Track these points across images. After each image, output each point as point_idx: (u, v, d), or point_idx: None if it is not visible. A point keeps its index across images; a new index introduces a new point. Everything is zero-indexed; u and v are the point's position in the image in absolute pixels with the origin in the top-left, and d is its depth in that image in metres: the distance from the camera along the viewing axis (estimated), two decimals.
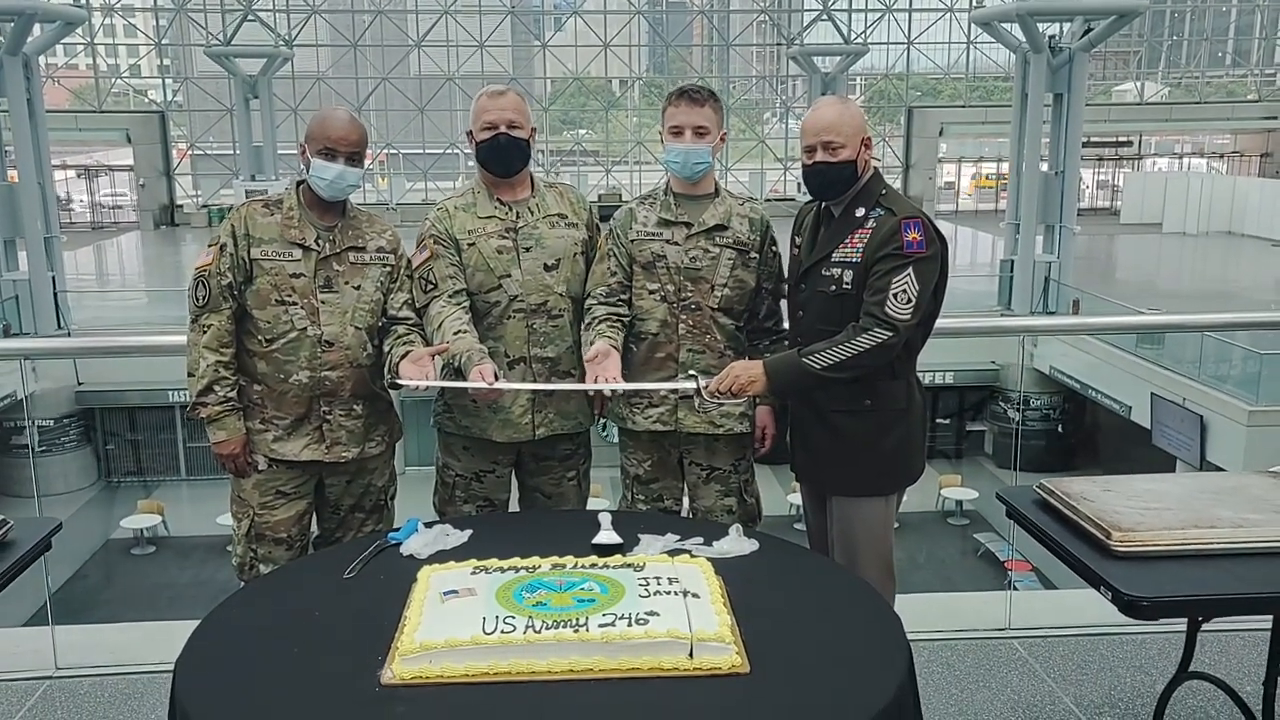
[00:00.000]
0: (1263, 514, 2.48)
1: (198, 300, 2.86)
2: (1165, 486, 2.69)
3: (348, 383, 2.90)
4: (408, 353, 2.79)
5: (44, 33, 18.88)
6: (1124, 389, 16.21)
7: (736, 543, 2.43)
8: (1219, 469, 12.98)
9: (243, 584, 2.90)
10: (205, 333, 2.85)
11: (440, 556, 2.37)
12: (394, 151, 34.13)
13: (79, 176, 34.83)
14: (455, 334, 2.84)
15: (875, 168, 2.80)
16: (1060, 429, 19.11)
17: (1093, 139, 33.02)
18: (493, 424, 3.03)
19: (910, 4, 33.75)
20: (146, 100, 34.54)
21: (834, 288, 2.73)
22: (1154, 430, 15.12)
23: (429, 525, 2.52)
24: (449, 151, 33.80)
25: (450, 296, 2.96)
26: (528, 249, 3.00)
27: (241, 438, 2.89)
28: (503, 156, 2.99)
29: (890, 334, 2.62)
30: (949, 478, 17.40)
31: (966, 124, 34.40)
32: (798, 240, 2.91)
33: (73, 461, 18.40)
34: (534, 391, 3.00)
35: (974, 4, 25.87)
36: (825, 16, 32.57)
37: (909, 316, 2.63)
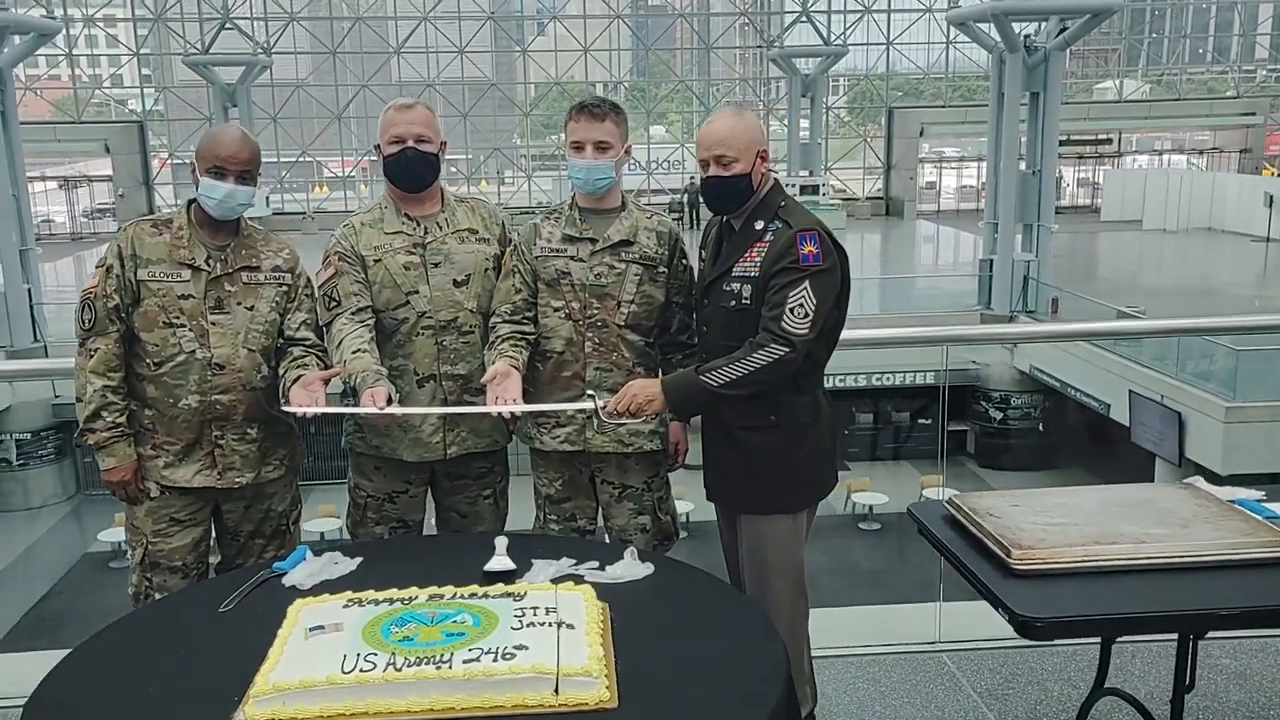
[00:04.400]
0: (1168, 528, 2.43)
1: (84, 324, 2.79)
2: (1077, 500, 2.64)
3: (240, 406, 2.83)
4: (300, 376, 2.72)
5: (18, 44, 18.77)
6: (1103, 387, 16.22)
7: (630, 567, 2.37)
8: (1198, 466, 12.98)
9: None
10: (92, 357, 2.78)
11: (325, 587, 2.31)
12: (375, 158, 33.99)
13: (59, 187, 34.66)
14: (354, 353, 2.76)
15: (775, 179, 2.75)
16: (1041, 428, 19.13)
17: (1072, 137, 33.07)
18: (403, 444, 2.97)
19: (889, 4, 33.79)
20: (126, 110, 34.42)
21: (734, 303, 2.68)
22: (1133, 428, 15.13)
23: (318, 553, 2.46)
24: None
25: (353, 314, 2.89)
26: (436, 264, 2.95)
27: (131, 464, 2.82)
28: (410, 171, 2.93)
29: (787, 349, 2.57)
30: (930, 478, 17.36)
31: (947, 124, 34.42)
32: (703, 254, 2.87)
33: (50, 475, 18.28)
34: (438, 415, 2.94)
35: (951, 4, 25.85)
36: (805, 18, 32.57)
37: (806, 331, 2.58)
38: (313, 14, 33.02)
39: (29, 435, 17.99)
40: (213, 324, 2.80)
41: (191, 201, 2.86)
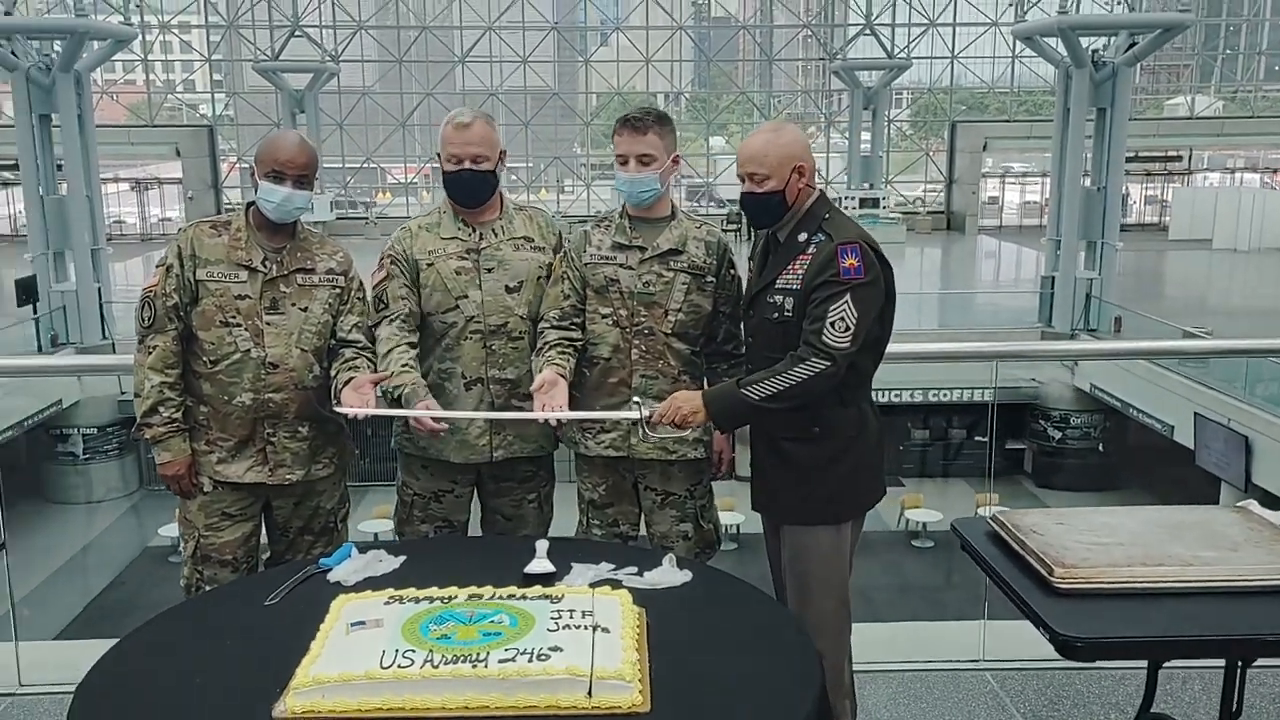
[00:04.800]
0: (1217, 551, 2.38)
1: (144, 321, 2.87)
2: (1123, 520, 2.59)
3: (292, 405, 2.90)
4: (351, 378, 2.78)
5: (96, 50, 19.30)
6: (1167, 408, 15.87)
7: (668, 574, 2.38)
8: (1265, 491, 12.65)
9: None
10: (150, 354, 2.86)
11: (369, 584, 2.35)
12: (437, 165, 34.43)
13: (131, 189, 35.55)
14: (402, 367, 2.85)
15: (819, 192, 2.74)
16: (1101, 448, 18.78)
17: (1140, 154, 32.48)
18: (450, 445, 3.01)
19: (954, 18, 33.48)
20: (197, 115, 35.22)
21: (776, 315, 2.69)
22: (1197, 451, 14.78)
23: (363, 551, 2.50)
24: None
25: (402, 320, 2.96)
26: (490, 270, 2.99)
27: (186, 459, 2.90)
28: (467, 190, 2.99)
29: (827, 363, 2.56)
30: (984, 496, 17.12)
31: (1011, 139, 34.00)
32: (751, 266, 2.88)
33: (114, 469, 18.70)
34: (485, 419, 2.98)
35: (1017, 17, 25.57)
36: (868, 31, 32.40)
37: (847, 344, 2.57)
38: (380, 23, 33.55)
39: (95, 430, 18.42)
40: (268, 324, 2.87)
41: (250, 204, 2.93)
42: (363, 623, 2.07)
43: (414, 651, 1.94)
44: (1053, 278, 19.97)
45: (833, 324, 2.56)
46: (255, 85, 32.98)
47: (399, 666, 1.90)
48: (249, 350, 2.86)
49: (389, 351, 2.89)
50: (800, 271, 2.65)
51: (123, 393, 18.39)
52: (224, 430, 2.91)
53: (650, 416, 2.67)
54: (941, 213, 34.63)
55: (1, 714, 3.23)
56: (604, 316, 2.99)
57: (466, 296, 2.98)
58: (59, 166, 19.15)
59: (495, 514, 3.17)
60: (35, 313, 18.61)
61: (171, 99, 35.36)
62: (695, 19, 36.04)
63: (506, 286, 3.00)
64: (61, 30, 18.82)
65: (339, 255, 3.02)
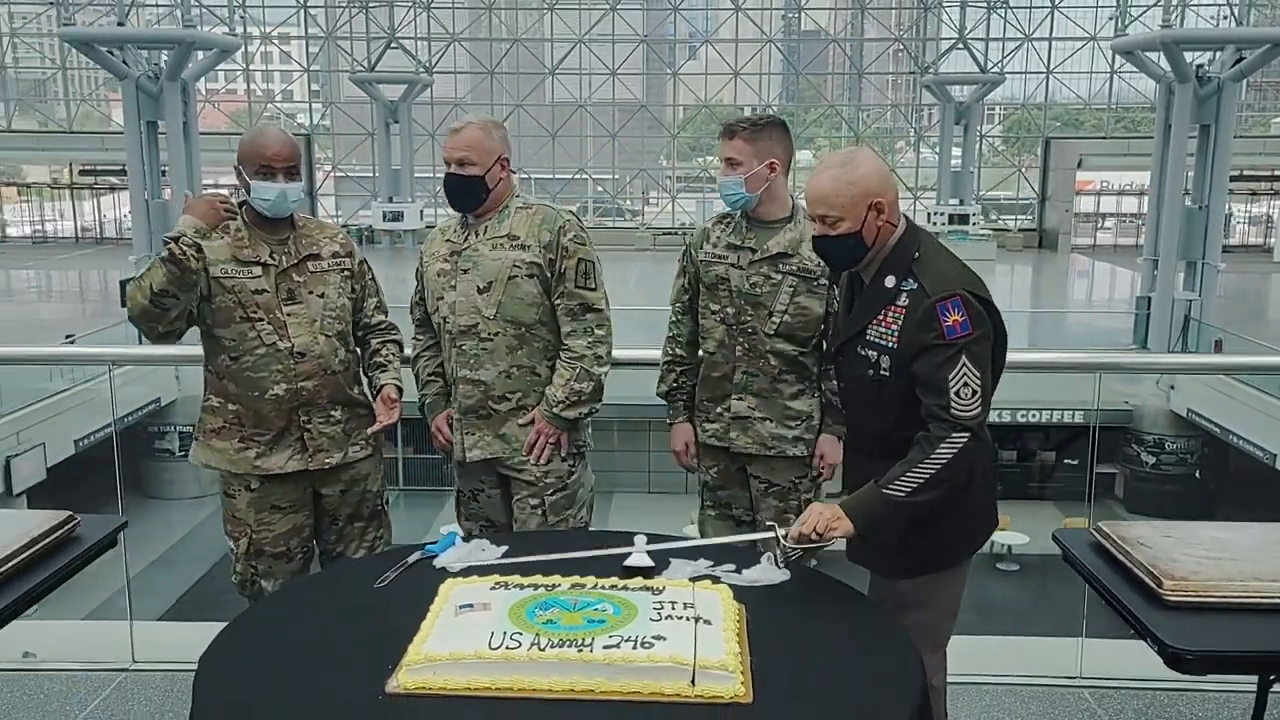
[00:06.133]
0: None
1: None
2: (1233, 536, 2.53)
3: (324, 390, 2.97)
4: (382, 388, 3.07)
5: (201, 59, 20.01)
6: (1270, 435, 15.35)
7: (766, 571, 2.39)
8: None
9: (248, 599, 3.02)
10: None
11: (472, 571, 2.40)
12: (526, 175, 34.91)
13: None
14: (430, 375, 3.15)
15: (906, 225, 2.45)
16: (1198, 475, 18.22)
17: (1245, 172, 31.49)
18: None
19: (1050, 32, 32.86)
20: (295, 124, 36.20)
21: (871, 373, 2.45)
22: None
23: (466, 540, 2.56)
24: (578, 176, 34.42)
25: (420, 325, 3.18)
26: (465, 271, 2.99)
27: (192, 214, 2.82)
28: (455, 194, 3.00)
29: (966, 436, 2.31)
30: (1075, 520, 16.71)
31: (1107, 155, 33.21)
32: (836, 298, 2.72)
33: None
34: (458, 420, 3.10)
35: (1117, 32, 25.01)
36: (961, 45, 31.98)
37: (978, 410, 2.32)
38: (473, 35, 34.12)
39: (192, 428, 18.98)
40: (289, 315, 2.92)
41: (242, 204, 2.94)
42: (471, 606, 2.11)
43: (521, 634, 1.98)
44: (1149, 298, 19.48)
45: (957, 393, 2.31)
46: (351, 96, 33.79)
47: (507, 648, 1.94)
48: (274, 343, 2.91)
49: (415, 358, 3.18)
50: (895, 327, 2.40)
51: None
52: (259, 425, 2.95)
53: (786, 534, 2.39)
54: (1033, 230, 33.97)
55: (116, 688, 3.37)
56: (713, 312, 3.07)
57: (443, 298, 3.02)
58: (163, 172, 19.87)
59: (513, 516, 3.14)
60: None
61: (270, 107, 36.39)
62: (785, 32, 35.94)
63: (477, 287, 2.97)
64: (171, 40, 19.56)
65: (340, 237, 3.08)
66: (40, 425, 15.32)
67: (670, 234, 32.60)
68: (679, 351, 3.22)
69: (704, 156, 37.01)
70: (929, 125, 35.26)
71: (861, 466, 2.56)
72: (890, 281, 2.41)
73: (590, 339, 2.99)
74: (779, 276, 2.99)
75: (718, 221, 3.13)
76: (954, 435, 2.32)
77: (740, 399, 3.05)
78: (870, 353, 2.44)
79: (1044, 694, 3.33)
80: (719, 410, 3.10)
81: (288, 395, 2.93)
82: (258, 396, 2.93)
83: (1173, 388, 17.73)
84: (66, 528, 2.53)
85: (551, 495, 3.06)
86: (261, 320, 2.90)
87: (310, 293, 2.97)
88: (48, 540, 2.46)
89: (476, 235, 2.98)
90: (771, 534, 2.41)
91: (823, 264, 2.86)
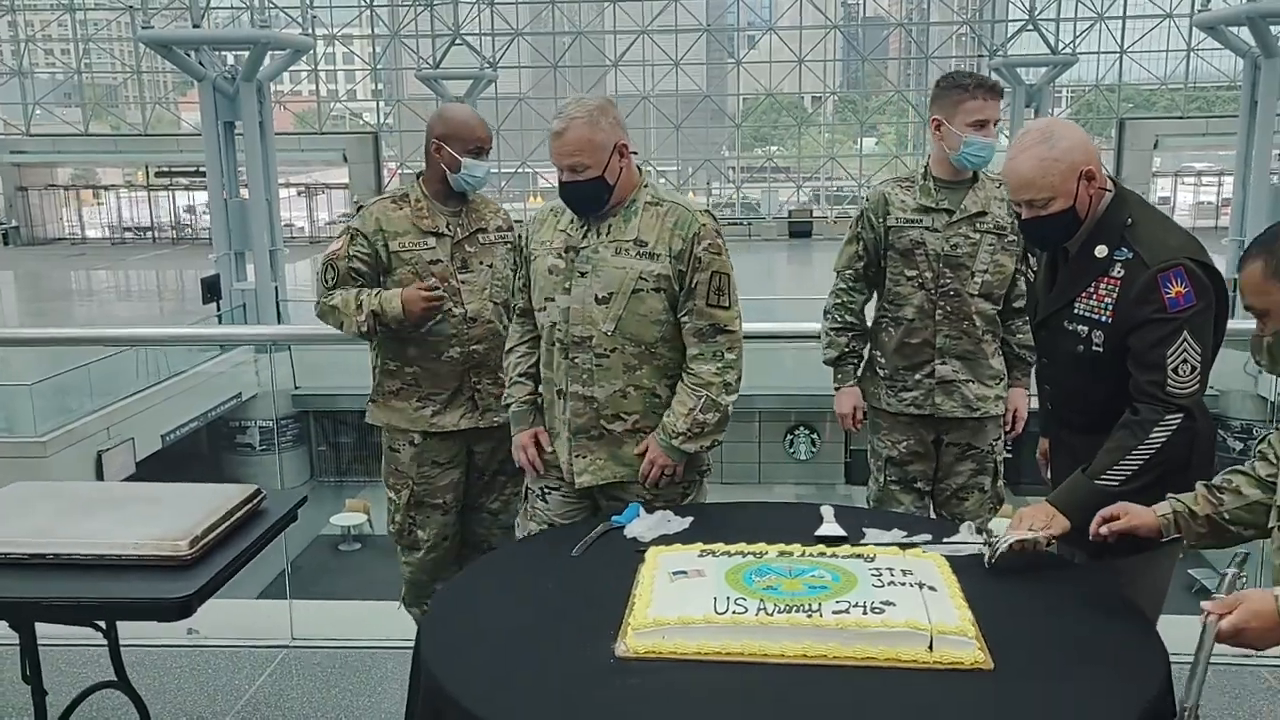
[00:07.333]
0: None
1: (327, 282, 3.07)
2: None
3: (494, 354, 3.04)
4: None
5: (275, 60, 20.28)
6: None
7: (967, 539, 2.33)
8: None
9: (401, 549, 3.20)
10: (334, 294, 3.05)
11: (663, 540, 2.37)
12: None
13: (299, 195, 37.19)
14: (520, 376, 2.82)
15: (1114, 188, 2.32)
16: None
17: None
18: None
19: (1124, 10, 32.13)
20: (361, 122, 36.60)
21: (1081, 348, 2.32)
22: None
23: (650, 511, 2.53)
24: (643, 167, 34.37)
25: (522, 316, 2.83)
26: (583, 274, 2.64)
27: (410, 289, 2.95)
28: (574, 203, 2.67)
29: (1180, 417, 2.20)
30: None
31: (1184, 136, 32.40)
32: (1032, 265, 2.62)
33: (289, 460, 19.57)
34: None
35: (1196, 8, 24.37)
36: (1031, 26, 31.38)
37: (1195, 388, 2.20)
38: (536, 29, 34.23)
39: (271, 423, 19.30)
40: (462, 282, 3.06)
41: (419, 175, 3.10)
42: (684, 572, 2.09)
43: (745, 600, 1.95)
44: (1234, 280, 18.92)
45: (1175, 370, 2.19)
46: (415, 93, 34.08)
47: (734, 613, 1.91)
48: (450, 309, 3.03)
49: (509, 350, 2.86)
50: (1109, 300, 2.27)
51: (297, 387, 19.27)
52: (435, 385, 3.08)
53: (996, 540, 2.22)
54: None
55: (279, 664, 3.41)
56: (909, 279, 3.03)
57: (553, 300, 2.69)
58: (239, 172, 20.20)
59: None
60: (218, 310, 19.68)
61: (337, 108, 36.84)
62: (848, 18, 35.56)
63: (596, 296, 2.62)
64: (246, 41, 19.81)
65: (501, 213, 3.22)
66: (128, 421, 15.66)
67: (735, 224, 32.45)
68: (849, 318, 3.19)
69: (766, 146, 36.80)
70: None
71: (1067, 442, 2.48)
72: (1102, 251, 2.28)
73: (720, 364, 2.63)
74: (978, 236, 2.98)
75: (896, 185, 3.08)
76: (1168, 416, 2.21)
77: (944, 363, 3.04)
78: (1080, 327, 2.32)
79: (1222, 672, 3.22)
80: (917, 378, 3.07)
81: (461, 357, 3.07)
82: (435, 358, 3.06)
83: (1260, 372, 17.21)
84: (255, 501, 2.56)
85: None
86: (438, 289, 2.99)
87: (480, 263, 3.11)
88: (240, 513, 2.48)
89: (598, 235, 2.64)
90: (983, 539, 2.27)
91: (1011, 218, 2.84)
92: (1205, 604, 1.80)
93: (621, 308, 2.61)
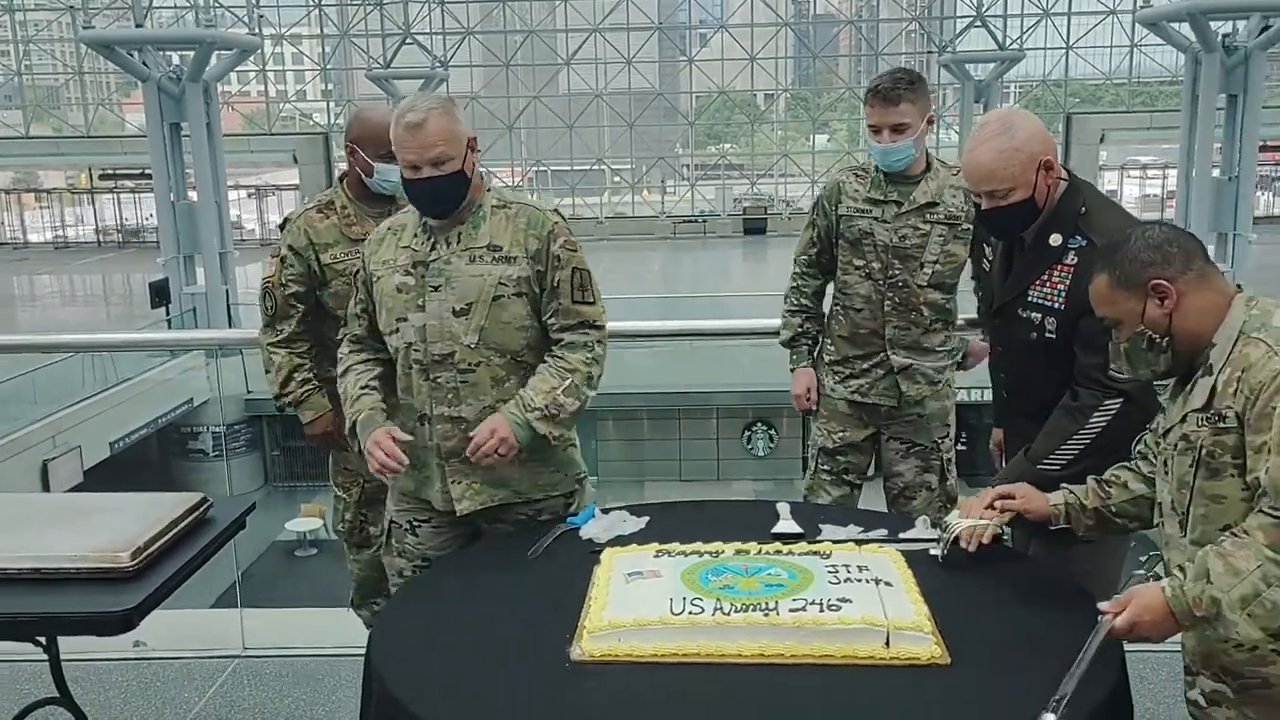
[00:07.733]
0: None
1: (267, 311, 3.04)
2: None
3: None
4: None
5: (221, 60, 19.98)
6: None
7: (921, 535, 2.34)
8: None
9: (350, 547, 3.15)
10: (278, 336, 3.04)
11: (618, 542, 2.35)
12: (543, 168, 34.82)
13: (249, 196, 36.72)
14: (361, 389, 2.54)
15: (1068, 181, 2.36)
16: None
17: (1268, 142, 31.16)
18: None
19: (1069, 7, 32.58)
20: (311, 123, 36.19)
21: (1035, 335, 2.36)
22: None
23: (605, 512, 2.50)
24: (596, 167, 34.34)
25: (356, 343, 2.63)
26: (436, 289, 2.46)
27: (329, 414, 3.00)
28: (431, 201, 2.47)
29: (1120, 401, 2.24)
30: None
31: (1129, 130, 32.93)
32: (987, 254, 2.62)
33: (243, 466, 19.30)
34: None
35: (1138, 4, 24.80)
36: (979, 23, 31.73)
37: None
38: (487, 28, 34.05)
39: (223, 429, 19.02)
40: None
41: (342, 179, 3.05)
42: (640, 573, 2.07)
43: (702, 600, 1.94)
44: None
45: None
46: (366, 93, 33.74)
47: (690, 613, 1.90)
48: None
49: (344, 372, 2.60)
50: (1062, 287, 2.30)
51: (249, 392, 19.02)
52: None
53: (945, 529, 2.21)
54: None
55: (230, 674, 3.35)
56: (856, 268, 3.04)
57: (405, 319, 2.49)
58: (186, 174, 19.89)
59: None
60: (168, 314, 19.36)
61: (286, 108, 36.40)
62: (798, 16, 35.72)
63: (453, 309, 2.45)
64: (191, 40, 19.48)
65: None
66: (75, 428, 15.37)
67: (690, 221, 32.51)
68: (804, 302, 3.21)
69: (719, 144, 36.88)
70: (947, 105, 35.04)
71: (1023, 430, 2.49)
72: (1056, 240, 2.31)
73: (589, 355, 2.50)
74: (928, 226, 2.97)
75: (850, 173, 3.08)
76: (1107, 402, 2.27)
77: (895, 353, 3.05)
78: (1033, 315, 2.35)
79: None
80: (865, 366, 3.08)
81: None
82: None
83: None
84: (201, 509, 2.50)
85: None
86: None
87: None
88: (186, 522, 2.43)
89: (448, 245, 2.46)
90: (936, 532, 2.26)
91: (967, 206, 2.85)
92: (1101, 604, 1.86)
93: (483, 317, 2.45)
